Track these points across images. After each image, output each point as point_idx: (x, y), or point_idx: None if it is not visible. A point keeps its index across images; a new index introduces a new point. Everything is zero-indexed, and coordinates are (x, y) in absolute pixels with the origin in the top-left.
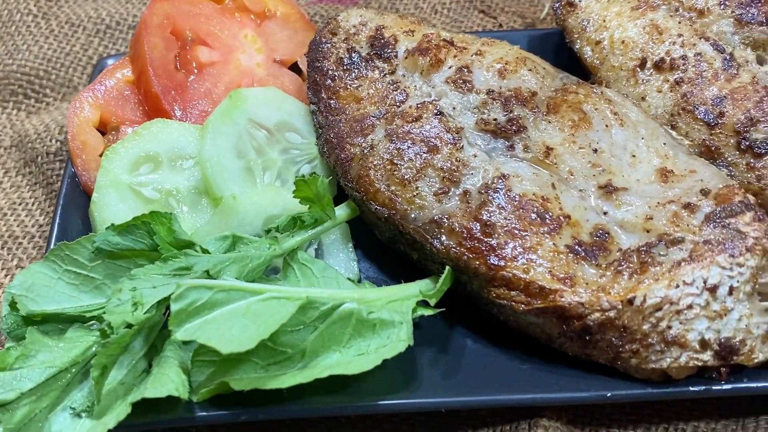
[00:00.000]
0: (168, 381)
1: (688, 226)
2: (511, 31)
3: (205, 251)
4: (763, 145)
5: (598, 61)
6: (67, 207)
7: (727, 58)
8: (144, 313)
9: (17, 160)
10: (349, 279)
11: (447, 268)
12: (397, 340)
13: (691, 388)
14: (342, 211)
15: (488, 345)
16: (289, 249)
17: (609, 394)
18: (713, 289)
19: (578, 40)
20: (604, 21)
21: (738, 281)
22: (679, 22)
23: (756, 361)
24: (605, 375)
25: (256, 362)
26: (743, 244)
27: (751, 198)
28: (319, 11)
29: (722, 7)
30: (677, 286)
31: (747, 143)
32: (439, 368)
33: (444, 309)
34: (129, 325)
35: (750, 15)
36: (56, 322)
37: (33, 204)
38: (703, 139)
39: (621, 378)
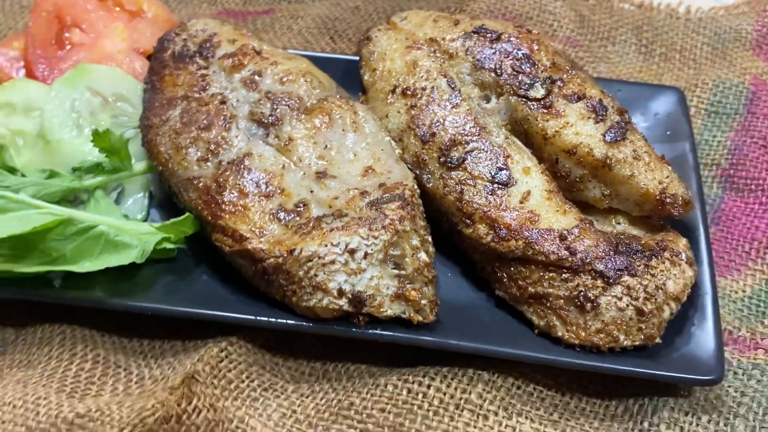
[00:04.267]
0: None
1: (355, 207)
2: (339, 54)
3: (24, 177)
4: (455, 162)
5: (370, 84)
6: None
7: (456, 93)
8: None
9: None
10: (125, 216)
11: (187, 214)
12: (128, 256)
13: (335, 326)
14: (140, 166)
15: (223, 279)
16: (87, 186)
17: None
18: (352, 252)
19: (363, 66)
20: (385, 54)
21: (372, 249)
22: (432, 62)
23: (386, 314)
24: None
25: (33, 258)
26: (381, 223)
27: (408, 192)
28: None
29: (466, 53)
30: (326, 246)
31: (444, 159)
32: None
33: (183, 246)
34: None
35: (485, 62)
36: None
37: None
38: (416, 152)
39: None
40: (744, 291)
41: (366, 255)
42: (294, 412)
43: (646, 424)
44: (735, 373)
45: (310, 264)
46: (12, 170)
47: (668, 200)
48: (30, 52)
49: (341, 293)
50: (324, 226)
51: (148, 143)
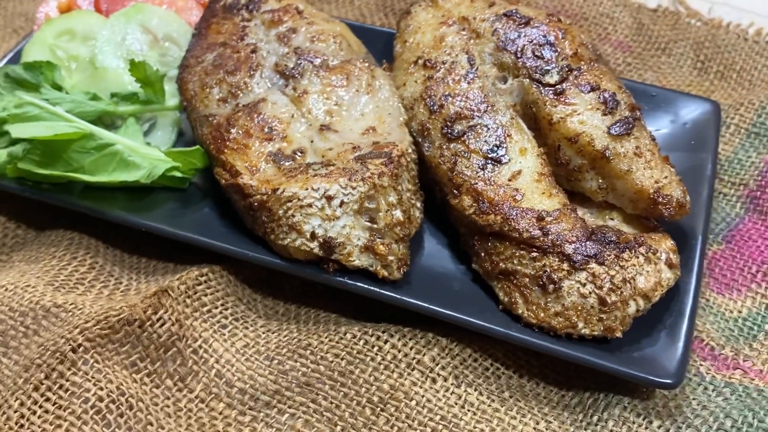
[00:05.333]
0: None
1: (344, 159)
2: (386, 28)
3: (66, 95)
4: (455, 134)
5: (398, 54)
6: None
7: (473, 70)
8: None
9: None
10: (148, 144)
11: (197, 146)
12: (136, 175)
13: (306, 269)
14: (173, 102)
15: (222, 214)
16: (122, 113)
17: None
18: (330, 199)
19: (397, 38)
20: (419, 28)
21: (348, 198)
22: (459, 39)
23: (354, 263)
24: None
25: (57, 166)
26: (362, 175)
27: (396, 152)
28: None
29: (492, 34)
30: (307, 189)
31: (447, 130)
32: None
33: (192, 179)
34: None
35: (508, 44)
36: None
37: None
38: (422, 120)
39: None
40: (740, 312)
41: (342, 203)
42: (257, 344)
43: (595, 418)
44: (705, 388)
45: (289, 204)
46: (59, 88)
47: (661, 200)
48: None
49: (314, 236)
50: (311, 171)
51: (180, 80)
